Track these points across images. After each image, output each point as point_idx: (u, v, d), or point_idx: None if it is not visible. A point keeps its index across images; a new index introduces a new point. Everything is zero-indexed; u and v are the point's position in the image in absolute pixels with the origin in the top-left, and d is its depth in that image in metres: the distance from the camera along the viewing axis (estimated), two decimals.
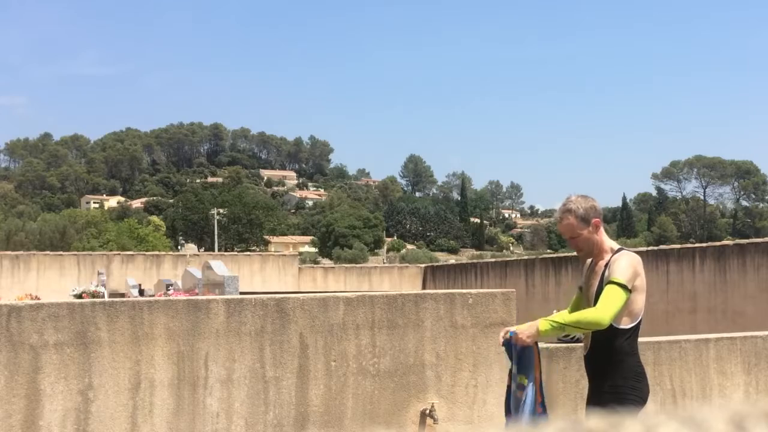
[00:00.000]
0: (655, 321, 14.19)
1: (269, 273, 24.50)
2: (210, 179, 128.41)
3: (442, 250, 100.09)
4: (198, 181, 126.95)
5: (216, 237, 74.35)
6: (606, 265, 4.25)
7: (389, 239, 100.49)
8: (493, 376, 5.31)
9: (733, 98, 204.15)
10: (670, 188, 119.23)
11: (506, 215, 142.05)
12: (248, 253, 41.84)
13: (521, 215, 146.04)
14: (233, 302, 4.98)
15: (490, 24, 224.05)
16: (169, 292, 12.30)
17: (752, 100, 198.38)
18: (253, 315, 4.95)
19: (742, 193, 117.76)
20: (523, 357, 4.29)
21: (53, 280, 22.15)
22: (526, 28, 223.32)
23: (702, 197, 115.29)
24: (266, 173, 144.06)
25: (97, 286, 17.02)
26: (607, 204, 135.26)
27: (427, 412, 5.21)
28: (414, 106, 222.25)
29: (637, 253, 4.67)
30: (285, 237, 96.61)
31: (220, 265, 11.29)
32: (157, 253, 26.55)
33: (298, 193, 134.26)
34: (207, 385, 4.84)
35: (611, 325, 4.14)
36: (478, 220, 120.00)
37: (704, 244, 15.33)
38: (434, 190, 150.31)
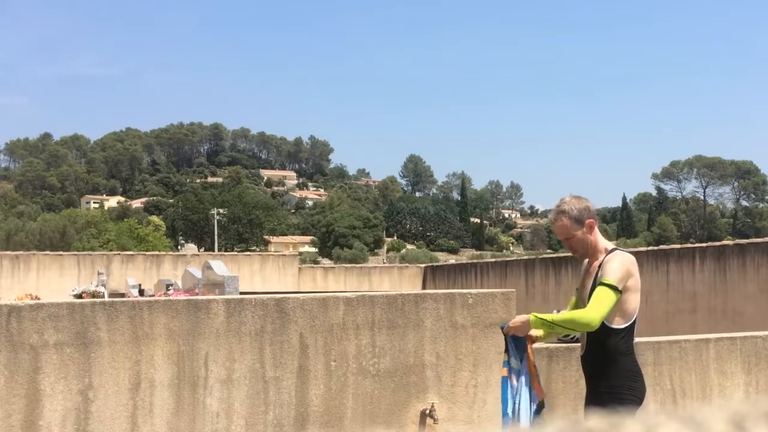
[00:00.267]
0: (655, 321, 14.19)
1: (269, 273, 24.49)
2: (210, 179, 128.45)
3: (442, 250, 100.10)
4: (198, 181, 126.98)
5: (216, 237, 74.38)
6: (600, 266, 4.26)
7: (389, 239, 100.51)
8: (493, 376, 5.30)
9: (733, 98, 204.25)
10: (670, 188, 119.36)
11: (506, 215, 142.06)
12: (248, 253, 41.84)
13: (521, 215, 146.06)
14: (233, 302, 4.98)
15: (490, 24, 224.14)
16: (169, 292, 12.30)
17: (752, 100, 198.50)
18: (253, 315, 4.95)
19: (742, 193, 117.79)
20: (517, 346, 4.38)
21: (53, 280, 22.15)
22: (526, 28, 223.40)
23: (702, 197, 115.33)
24: (266, 173, 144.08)
25: (97, 286, 17.01)
26: (607, 204, 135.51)
27: (427, 412, 5.21)
28: (414, 106, 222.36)
29: (637, 253, 4.69)
30: (285, 237, 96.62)
31: (220, 265, 11.28)
32: (157, 253, 26.55)
33: (298, 193, 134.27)
34: (207, 385, 4.84)
35: (605, 325, 4.15)
36: (478, 220, 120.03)
37: (704, 244, 15.33)
38: (434, 190, 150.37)
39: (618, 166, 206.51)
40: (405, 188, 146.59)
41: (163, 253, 27.76)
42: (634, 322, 4.29)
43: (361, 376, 5.13)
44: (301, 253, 53.59)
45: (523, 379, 4.34)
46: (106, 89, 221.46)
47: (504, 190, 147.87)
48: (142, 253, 26.01)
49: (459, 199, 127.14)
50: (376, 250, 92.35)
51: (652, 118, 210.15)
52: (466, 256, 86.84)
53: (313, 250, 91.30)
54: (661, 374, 5.82)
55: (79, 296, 14.71)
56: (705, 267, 14.36)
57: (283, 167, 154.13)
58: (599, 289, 4.13)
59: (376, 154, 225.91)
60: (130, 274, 21.12)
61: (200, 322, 4.84)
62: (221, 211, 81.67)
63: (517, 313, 5.36)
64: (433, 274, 25.13)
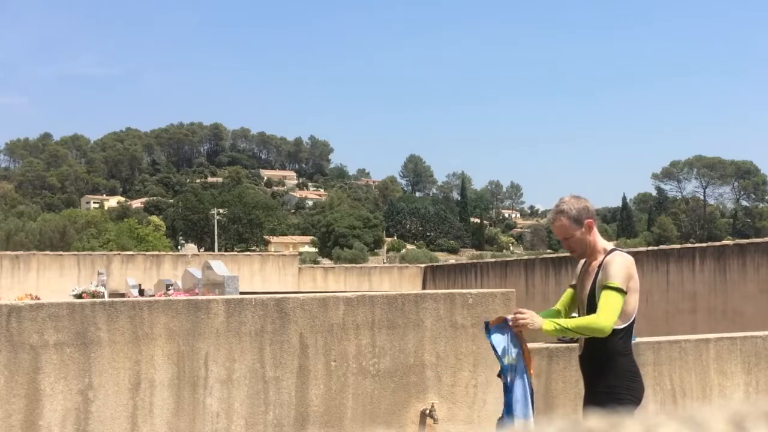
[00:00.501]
0: (655, 321, 14.19)
1: (269, 273, 24.49)
2: (210, 179, 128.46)
3: (442, 250, 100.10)
4: (198, 181, 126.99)
5: (216, 237, 74.38)
6: (599, 266, 4.26)
7: (389, 239, 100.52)
8: (493, 376, 5.30)
9: (733, 98, 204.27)
10: (670, 188, 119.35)
11: (506, 215, 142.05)
12: (248, 253, 41.84)
13: (521, 215, 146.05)
14: (233, 302, 4.98)
15: (490, 24, 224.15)
16: (169, 292, 12.30)
17: (752, 100, 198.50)
18: (253, 315, 4.95)
19: (742, 193, 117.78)
20: (512, 340, 4.31)
21: (53, 280, 22.15)
22: (526, 28, 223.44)
23: (702, 197, 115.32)
24: (266, 173, 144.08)
25: (97, 286, 17.01)
26: (607, 204, 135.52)
27: (427, 412, 5.21)
28: (414, 106, 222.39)
29: (637, 253, 4.70)
30: (285, 237, 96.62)
31: (220, 265, 11.28)
32: (157, 253, 26.54)
33: (298, 193, 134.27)
34: (207, 385, 4.84)
35: None
36: (478, 220, 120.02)
37: (704, 244, 15.32)
38: (434, 190, 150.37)
39: (618, 166, 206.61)
40: (405, 188, 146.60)
41: (163, 253, 27.76)
42: (632, 322, 4.29)
43: (361, 376, 5.13)
44: (301, 253, 53.60)
45: (519, 370, 4.31)
46: (106, 89, 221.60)
47: (504, 190, 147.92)
48: (142, 253, 26.00)
49: (459, 199, 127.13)
50: (376, 250, 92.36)
51: (652, 118, 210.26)
52: (466, 256, 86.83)
53: (313, 250, 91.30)
54: (661, 374, 5.82)
55: (79, 296, 14.71)
56: (705, 267, 14.36)
57: (283, 167, 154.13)
58: (607, 294, 4.12)
59: (376, 154, 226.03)
60: (130, 274, 21.12)
61: (200, 322, 4.84)
62: (221, 211, 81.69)
63: None
64: (433, 274, 25.13)
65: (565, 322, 4.21)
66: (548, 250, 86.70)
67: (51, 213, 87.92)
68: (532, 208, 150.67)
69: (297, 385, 5.01)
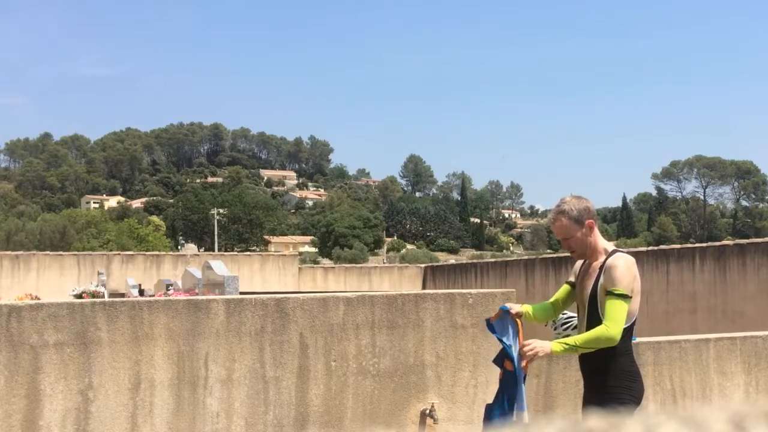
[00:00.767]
0: (655, 321, 14.19)
1: (269, 273, 24.49)
2: (210, 179, 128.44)
3: (442, 250, 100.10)
4: (198, 181, 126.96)
5: (216, 237, 74.39)
6: (601, 268, 4.25)
7: (389, 239, 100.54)
8: (493, 376, 5.30)
9: (733, 98, 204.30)
10: (670, 188, 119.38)
11: (506, 215, 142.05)
12: (248, 253, 41.84)
13: (521, 215, 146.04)
14: (233, 302, 4.98)
15: (490, 25, 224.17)
16: (169, 292, 12.30)
17: (752, 100, 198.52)
18: (253, 315, 4.95)
19: (742, 193, 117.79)
20: (513, 329, 4.31)
21: (53, 280, 22.15)
22: (526, 28, 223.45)
23: (702, 197, 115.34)
24: (266, 173, 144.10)
25: (97, 286, 17.01)
26: (607, 204, 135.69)
27: (427, 412, 5.21)
28: (414, 107, 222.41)
29: (637, 253, 4.70)
30: (285, 237, 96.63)
31: (220, 265, 11.28)
32: (157, 253, 26.54)
33: (298, 193, 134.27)
34: (207, 385, 4.84)
35: None
36: (478, 220, 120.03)
37: (704, 244, 15.32)
38: (434, 190, 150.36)
39: (618, 166, 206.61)
40: (405, 188, 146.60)
41: (163, 253, 27.76)
42: (633, 322, 4.29)
43: (361, 376, 5.13)
44: (301, 253, 53.61)
45: (516, 362, 4.31)
46: (106, 89, 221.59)
47: (504, 190, 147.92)
48: (142, 253, 26.00)
49: (459, 199, 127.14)
50: (376, 250, 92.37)
51: (652, 118, 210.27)
52: (466, 256, 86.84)
53: (313, 250, 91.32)
54: (661, 374, 5.82)
55: (79, 296, 14.71)
56: (705, 267, 14.36)
57: (283, 167, 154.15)
58: (613, 303, 4.12)
59: (376, 154, 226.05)
60: (130, 274, 21.12)
61: (200, 322, 4.84)
62: (221, 211, 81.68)
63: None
64: (433, 274, 25.13)
65: (573, 340, 4.20)
66: (548, 250, 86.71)
67: (51, 213, 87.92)
68: (532, 208, 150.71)
69: (297, 385, 5.01)
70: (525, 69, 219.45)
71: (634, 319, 4.28)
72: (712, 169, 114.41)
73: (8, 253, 23.82)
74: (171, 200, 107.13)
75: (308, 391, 5.03)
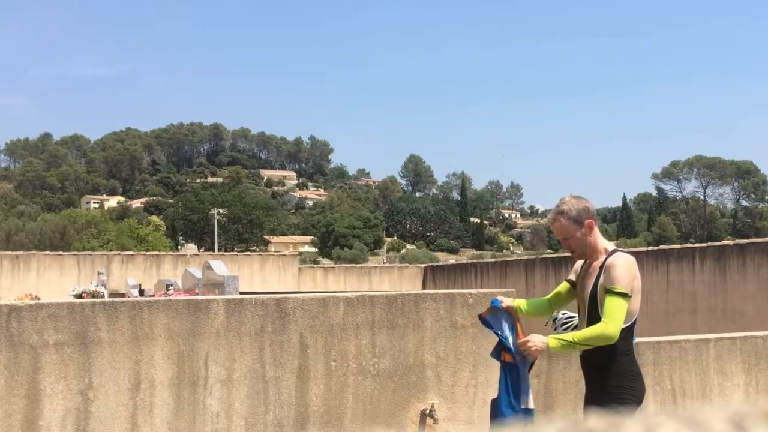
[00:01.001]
0: (655, 321, 14.19)
1: (269, 273, 24.50)
2: (210, 179, 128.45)
3: (442, 250, 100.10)
4: (198, 181, 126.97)
5: (216, 237, 74.39)
6: (601, 268, 4.25)
7: (389, 239, 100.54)
8: (493, 376, 5.30)
9: (733, 98, 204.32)
10: (670, 188, 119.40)
11: (506, 215, 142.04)
12: (248, 253, 41.83)
13: (521, 215, 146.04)
14: (233, 302, 4.98)
15: (490, 25, 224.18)
16: (169, 292, 12.30)
17: (752, 100, 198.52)
18: (253, 315, 4.95)
19: (742, 193, 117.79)
20: (504, 323, 4.31)
21: (53, 280, 22.15)
22: (526, 29, 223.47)
23: (702, 197, 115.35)
24: (266, 173, 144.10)
25: (97, 286, 17.01)
26: (607, 204, 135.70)
27: (427, 412, 5.21)
28: (414, 106, 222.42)
29: (637, 253, 4.70)
30: (285, 237, 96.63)
31: (220, 265, 11.28)
32: (157, 253, 26.54)
33: (298, 193, 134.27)
34: (207, 385, 4.84)
35: None
36: (478, 220, 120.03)
37: (704, 244, 15.32)
38: (434, 190, 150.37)
39: (618, 166, 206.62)
40: (405, 188, 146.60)
41: (163, 253, 27.76)
42: (634, 322, 4.29)
43: (361, 376, 5.13)
44: (301, 253, 53.61)
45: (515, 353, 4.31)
46: (106, 89, 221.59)
47: (504, 190, 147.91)
48: (142, 253, 26.00)
49: (459, 199, 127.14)
50: (376, 250, 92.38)
51: (652, 118, 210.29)
52: (466, 256, 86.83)
53: (313, 250, 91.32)
54: (661, 374, 5.82)
55: (79, 296, 14.70)
56: (705, 267, 14.36)
57: (283, 167, 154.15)
58: (612, 300, 4.11)
59: (376, 154, 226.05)
60: (130, 274, 21.12)
61: (200, 322, 4.84)
62: (221, 211, 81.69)
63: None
64: (433, 274, 25.13)
65: (571, 336, 4.20)
66: (548, 250, 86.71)
67: (51, 213, 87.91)
68: (532, 208, 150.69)
69: (297, 385, 5.01)
70: (525, 69, 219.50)
71: (634, 319, 4.27)
72: (712, 169, 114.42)
73: (8, 253, 23.82)
74: (171, 200, 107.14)
75: (308, 391, 5.03)
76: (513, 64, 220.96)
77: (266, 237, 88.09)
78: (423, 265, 27.78)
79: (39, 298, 13.27)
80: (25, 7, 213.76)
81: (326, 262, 69.37)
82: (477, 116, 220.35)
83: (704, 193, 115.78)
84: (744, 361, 6.11)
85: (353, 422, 5.08)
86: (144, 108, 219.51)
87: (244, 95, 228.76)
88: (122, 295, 14.94)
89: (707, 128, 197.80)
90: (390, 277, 25.48)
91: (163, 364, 4.76)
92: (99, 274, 19.57)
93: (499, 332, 4.29)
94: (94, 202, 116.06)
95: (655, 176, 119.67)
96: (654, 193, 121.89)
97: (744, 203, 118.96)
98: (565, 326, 5.93)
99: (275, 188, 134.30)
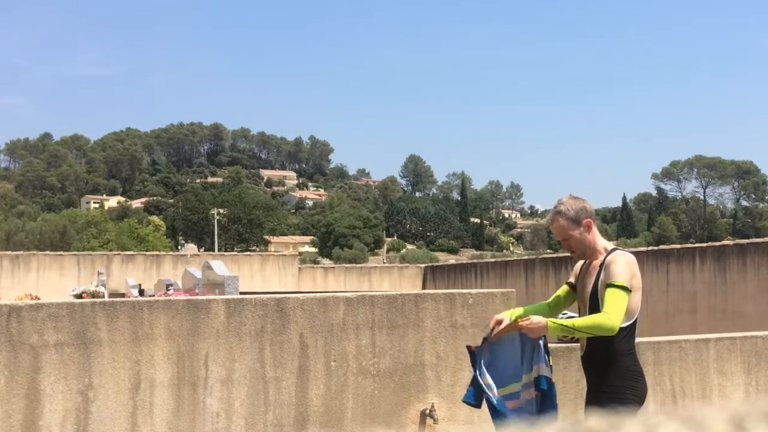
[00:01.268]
0: (655, 321, 14.19)
1: (269, 273, 24.50)
2: (210, 179, 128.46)
3: (442, 250, 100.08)
4: (198, 181, 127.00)
5: (216, 237, 74.39)
6: (601, 266, 4.26)
7: (389, 239, 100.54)
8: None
9: (733, 98, 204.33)
10: (670, 188, 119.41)
11: (506, 215, 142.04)
12: (248, 253, 41.84)
13: (521, 215, 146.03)
14: (233, 302, 4.98)
15: (490, 25, 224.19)
16: (169, 292, 12.30)
17: (752, 100, 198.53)
18: (253, 315, 4.95)
19: (742, 193, 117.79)
20: (532, 349, 4.28)
21: (53, 280, 22.15)
22: (526, 28, 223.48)
23: (702, 197, 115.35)
24: (266, 173, 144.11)
25: (97, 286, 17.00)
26: (607, 204, 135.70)
27: (427, 412, 5.21)
28: (414, 106, 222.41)
29: (637, 253, 4.70)
30: (285, 237, 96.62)
31: (220, 265, 11.28)
32: (157, 253, 26.55)
33: (298, 193, 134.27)
34: (207, 385, 4.84)
35: None
36: (478, 220, 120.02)
37: (704, 244, 15.32)
38: (434, 190, 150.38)
39: (618, 166, 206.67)
40: (405, 188, 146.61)
41: (163, 253, 27.77)
42: (635, 321, 4.29)
43: (361, 376, 5.13)
44: (301, 253, 53.60)
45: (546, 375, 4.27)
46: (106, 89, 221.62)
47: (504, 190, 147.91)
48: (142, 253, 26.01)
49: (459, 199, 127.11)
50: (376, 250, 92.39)
51: (652, 118, 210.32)
52: (466, 256, 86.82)
53: (313, 250, 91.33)
54: (661, 374, 5.82)
55: (79, 296, 14.70)
56: (705, 267, 14.36)
57: (283, 167, 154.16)
58: (613, 292, 4.11)
59: (376, 154, 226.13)
60: (130, 274, 21.12)
61: (200, 322, 4.84)
62: (221, 211, 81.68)
63: None
64: (433, 274, 25.13)
65: (570, 322, 4.21)
66: (548, 250, 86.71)
67: (51, 213, 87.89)
68: (532, 208, 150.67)
69: (297, 385, 5.01)
70: (525, 69, 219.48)
71: (635, 318, 4.27)
72: (712, 169, 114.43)
73: (8, 253, 23.83)
74: (171, 200, 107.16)
75: (308, 391, 5.03)
76: (513, 64, 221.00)
77: (266, 237, 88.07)
78: (423, 265, 27.78)
79: (39, 298, 13.27)
80: (25, 6, 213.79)
81: (326, 262, 69.39)
82: (477, 116, 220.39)
83: (704, 193, 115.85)
84: (744, 361, 6.11)
85: (353, 422, 5.09)
86: (144, 108, 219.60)
87: (244, 95, 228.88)
88: (122, 295, 14.93)
89: (707, 128, 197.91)
90: (390, 277, 25.48)
91: (163, 364, 4.76)
92: (99, 274, 19.57)
93: (478, 372, 4.26)
94: (94, 202, 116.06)
95: (655, 176, 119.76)
96: (654, 193, 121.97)
97: (744, 203, 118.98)
98: None
99: (275, 188, 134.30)
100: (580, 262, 4.49)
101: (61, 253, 24.38)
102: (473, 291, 5.46)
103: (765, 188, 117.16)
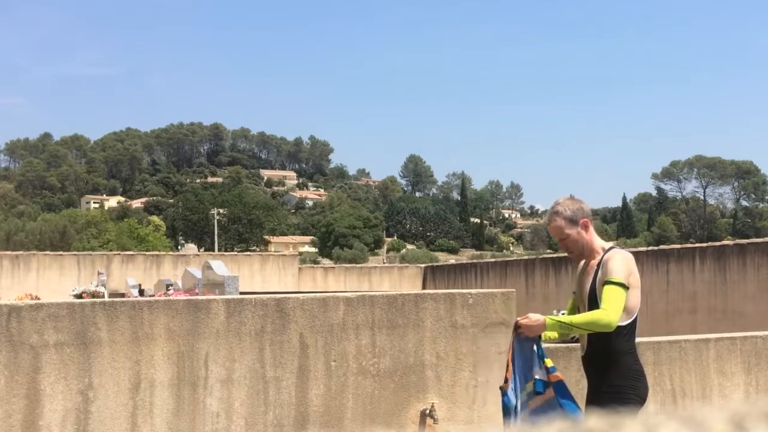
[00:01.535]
0: (655, 321, 14.19)
1: (269, 273, 24.50)
2: (210, 179, 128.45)
3: (442, 250, 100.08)
4: (198, 181, 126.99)
5: (216, 237, 74.39)
6: (598, 265, 4.27)
7: (389, 239, 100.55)
8: (494, 376, 5.31)
9: (733, 98, 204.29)
10: (670, 188, 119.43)
11: (506, 215, 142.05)
12: (248, 253, 41.84)
13: (521, 215, 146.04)
14: (233, 302, 4.98)
15: (490, 25, 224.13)
16: (169, 292, 12.30)
17: (752, 100, 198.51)
18: (253, 315, 4.95)
19: (742, 193, 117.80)
20: (528, 355, 4.28)
21: (53, 280, 22.15)
22: (526, 28, 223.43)
23: (702, 197, 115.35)
24: (266, 173, 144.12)
25: (97, 286, 17.00)
26: (607, 204, 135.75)
27: (427, 412, 5.21)
28: (414, 107, 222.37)
29: (637, 253, 4.71)
30: (285, 237, 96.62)
31: (220, 265, 11.28)
32: (157, 253, 26.55)
33: (298, 193, 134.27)
34: (207, 385, 4.84)
35: None
36: (478, 220, 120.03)
37: (704, 244, 15.33)
38: (434, 190, 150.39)
39: (618, 166, 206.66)
40: (405, 188, 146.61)
41: (163, 253, 27.78)
42: (635, 319, 4.29)
43: (361, 376, 5.13)
44: (301, 253, 53.59)
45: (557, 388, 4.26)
46: (106, 89, 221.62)
47: (504, 190, 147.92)
48: (142, 253, 26.01)
49: (459, 199, 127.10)
50: (376, 250, 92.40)
51: (652, 118, 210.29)
52: (466, 256, 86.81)
53: (313, 250, 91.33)
54: (661, 374, 5.82)
55: (79, 296, 14.70)
56: (705, 267, 14.36)
57: (283, 167, 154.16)
58: (610, 289, 4.12)
59: (376, 154, 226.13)
60: (130, 274, 21.12)
61: (200, 322, 4.84)
62: (221, 211, 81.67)
63: (517, 314, 5.36)
64: (433, 274, 25.13)
65: (568, 318, 4.23)
66: (548, 250, 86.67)
67: (51, 213, 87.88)
68: (532, 208, 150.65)
69: (297, 385, 5.01)
70: (525, 69, 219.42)
71: (635, 316, 4.27)
72: (712, 169, 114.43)
73: (8, 253, 23.84)
74: (171, 200, 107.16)
75: (308, 391, 5.03)
76: (513, 64, 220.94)
77: (266, 237, 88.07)
78: (423, 265, 27.78)
79: (39, 298, 13.27)
80: (25, 6, 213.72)
81: (326, 262, 69.39)
82: (477, 116, 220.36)
83: (704, 193, 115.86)
84: (744, 361, 6.11)
85: (353, 422, 5.09)
86: (144, 108, 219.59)
87: (244, 95, 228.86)
88: (122, 295, 14.94)
89: (707, 128, 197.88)
90: (390, 277, 25.48)
91: (163, 364, 4.76)
92: (99, 274, 19.57)
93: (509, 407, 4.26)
94: (94, 202, 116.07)
95: (655, 176, 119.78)
96: (654, 193, 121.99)
97: (744, 203, 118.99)
98: None
99: (275, 188, 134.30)
100: (580, 265, 4.50)
101: (61, 253, 24.39)
102: (473, 291, 5.46)
103: (765, 188, 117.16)
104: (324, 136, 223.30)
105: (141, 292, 15.41)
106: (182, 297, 6.12)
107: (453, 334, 5.32)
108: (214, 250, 62.07)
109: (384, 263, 56.46)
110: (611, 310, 4.08)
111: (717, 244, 15.10)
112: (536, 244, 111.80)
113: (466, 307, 5.36)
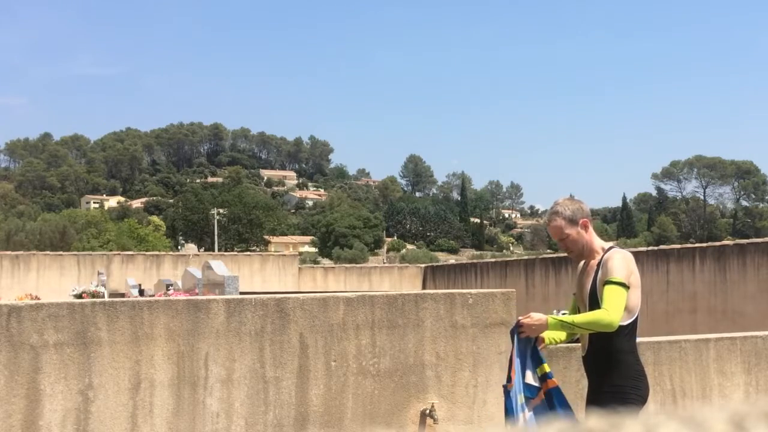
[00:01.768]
0: (655, 321, 14.19)
1: (269, 273, 24.50)
2: (210, 179, 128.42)
3: (442, 250, 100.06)
4: (198, 181, 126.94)
5: (216, 237, 74.38)
6: (599, 265, 4.27)
7: (389, 239, 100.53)
8: (493, 376, 5.31)
9: (733, 98, 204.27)
10: (670, 188, 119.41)
11: (506, 215, 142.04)
12: (248, 253, 41.84)
13: (521, 215, 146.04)
14: (233, 302, 4.98)
15: (490, 25, 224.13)
16: (169, 292, 12.30)
17: (752, 100, 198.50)
18: (253, 315, 4.94)
19: (742, 193, 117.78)
20: (531, 355, 4.29)
21: (53, 280, 22.15)
22: (526, 28, 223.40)
23: (702, 197, 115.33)
24: (266, 173, 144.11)
25: (97, 286, 17.01)
26: (607, 204, 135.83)
27: (427, 412, 5.20)
28: (414, 107, 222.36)
29: (637, 253, 4.72)
30: (285, 237, 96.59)
31: (220, 265, 11.29)
32: (157, 253, 26.55)
33: (298, 193, 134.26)
34: (207, 385, 4.84)
35: None
36: (478, 220, 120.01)
37: (704, 244, 15.33)
38: (434, 190, 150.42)
39: (618, 166, 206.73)
40: (405, 188, 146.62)
41: (163, 253, 27.77)
42: (636, 319, 4.29)
43: (361, 376, 5.13)
44: (301, 253, 53.58)
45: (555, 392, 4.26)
46: (106, 89, 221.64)
47: (504, 190, 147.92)
48: (142, 253, 26.02)
49: (459, 199, 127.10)
50: (376, 250, 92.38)
51: (652, 118, 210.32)
52: (466, 256, 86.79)
53: (313, 250, 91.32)
54: (661, 374, 5.82)
55: (79, 296, 14.70)
56: (705, 267, 14.36)
57: (283, 167, 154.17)
58: (611, 288, 4.12)
59: (376, 154, 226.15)
60: (130, 274, 21.13)
61: (200, 322, 4.84)
62: (221, 211, 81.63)
63: (517, 314, 5.36)
64: (433, 274, 25.13)
65: (570, 318, 4.23)
66: (548, 250, 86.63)
67: (51, 213, 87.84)
68: (532, 208, 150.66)
69: (297, 385, 5.01)
70: (525, 69, 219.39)
71: (635, 316, 4.27)
72: (712, 169, 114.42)
73: (8, 253, 23.83)
74: (171, 200, 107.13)
75: (308, 391, 5.03)
76: (513, 64, 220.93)
77: (266, 237, 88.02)
78: (423, 265, 27.78)
79: (39, 298, 13.27)
80: (24, 6, 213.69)
81: (326, 262, 69.39)
82: (477, 116, 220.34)
83: (704, 193, 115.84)
84: (744, 361, 6.10)
85: (353, 422, 5.08)
86: (144, 108, 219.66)
87: (244, 95, 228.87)
88: (122, 295, 14.94)
89: (707, 128, 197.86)
90: (390, 277, 25.49)
91: (163, 364, 4.76)
92: (99, 274, 19.58)
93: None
94: (94, 202, 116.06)
95: (655, 176, 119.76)
96: (654, 193, 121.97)
97: (744, 203, 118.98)
98: None
99: (275, 188, 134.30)
100: (580, 265, 4.50)
101: (61, 253, 24.39)
102: (473, 291, 5.46)
103: (765, 188, 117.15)
104: (324, 136, 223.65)
105: (141, 292, 15.41)
106: (182, 297, 6.11)
107: (453, 334, 5.32)
108: (214, 250, 62.05)
109: (384, 263, 56.47)
110: (613, 310, 4.08)
111: (717, 244, 15.10)
112: (536, 244, 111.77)
113: (466, 307, 5.36)
